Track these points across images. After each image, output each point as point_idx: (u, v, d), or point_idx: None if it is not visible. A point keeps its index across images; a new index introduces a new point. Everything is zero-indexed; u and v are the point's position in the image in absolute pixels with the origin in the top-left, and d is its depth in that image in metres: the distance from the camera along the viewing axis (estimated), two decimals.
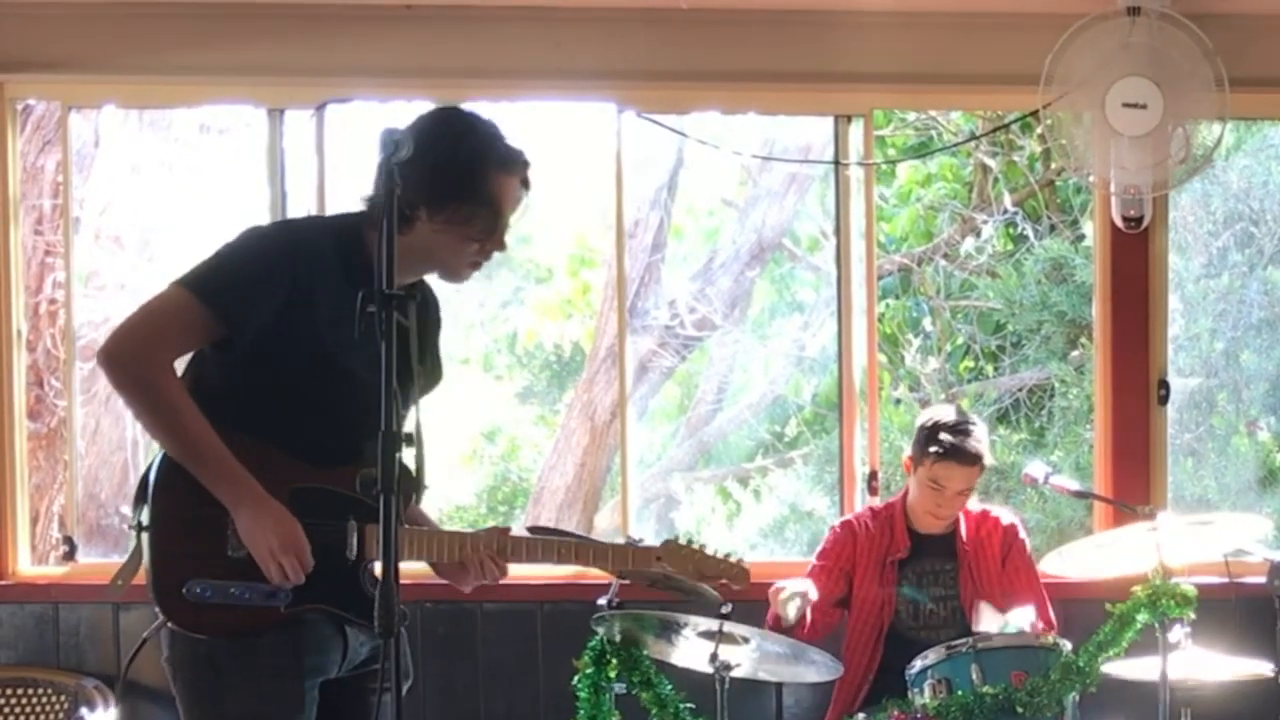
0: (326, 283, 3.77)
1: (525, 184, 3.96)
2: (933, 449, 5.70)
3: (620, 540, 5.45)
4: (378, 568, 3.55)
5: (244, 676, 3.78)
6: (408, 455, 3.51)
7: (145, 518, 3.81)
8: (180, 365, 3.91)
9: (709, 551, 4.36)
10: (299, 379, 3.78)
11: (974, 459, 5.71)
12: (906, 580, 5.85)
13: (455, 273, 3.98)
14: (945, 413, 5.88)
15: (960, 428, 5.74)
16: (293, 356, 3.76)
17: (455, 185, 3.80)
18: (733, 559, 4.41)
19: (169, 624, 3.82)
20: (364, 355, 3.60)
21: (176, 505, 3.79)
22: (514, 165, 3.89)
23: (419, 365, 3.86)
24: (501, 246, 3.93)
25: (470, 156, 3.81)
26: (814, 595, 5.57)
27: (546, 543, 4.19)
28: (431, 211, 3.80)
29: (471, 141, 3.84)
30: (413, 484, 3.54)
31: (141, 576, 3.86)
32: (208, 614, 3.77)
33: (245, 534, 3.74)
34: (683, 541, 4.33)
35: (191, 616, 3.78)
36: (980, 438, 5.76)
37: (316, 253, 3.83)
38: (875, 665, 5.81)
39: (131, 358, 3.77)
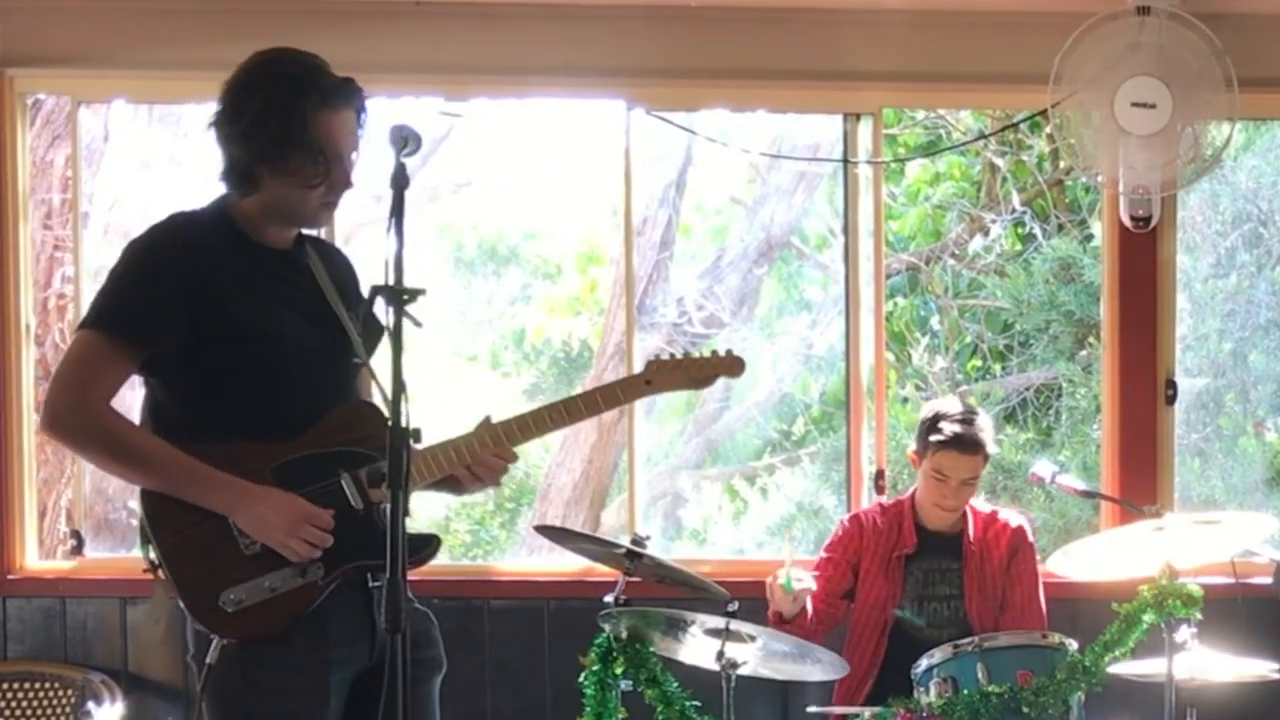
0: (215, 262, 3.77)
1: (358, 110, 3.85)
2: (934, 438, 5.73)
3: (626, 537, 5.49)
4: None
5: (269, 673, 3.75)
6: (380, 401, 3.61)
7: (155, 555, 3.79)
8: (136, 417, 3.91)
9: (695, 355, 4.27)
10: (231, 364, 3.74)
11: (976, 447, 5.72)
12: (907, 596, 5.85)
13: (312, 219, 3.91)
14: (947, 404, 5.90)
15: (962, 417, 5.75)
16: (215, 346, 3.73)
17: (278, 138, 3.74)
18: (720, 353, 4.29)
19: (225, 639, 3.76)
20: (281, 317, 3.64)
21: (176, 532, 3.76)
22: (335, 99, 3.79)
23: (352, 314, 3.91)
24: (347, 184, 3.86)
25: (285, 106, 3.73)
26: (810, 583, 5.58)
27: (537, 414, 4.07)
28: (269, 168, 3.77)
29: (284, 88, 3.76)
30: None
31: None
32: (254, 616, 3.73)
33: (253, 531, 3.72)
34: (664, 357, 4.22)
35: (240, 626, 3.73)
36: (982, 427, 5.78)
37: (194, 240, 3.82)
38: (878, 661, 5.81)
39: (67, 415, 3.76)
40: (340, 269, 4.09)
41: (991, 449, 5.82)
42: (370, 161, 3.91)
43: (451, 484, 4.05)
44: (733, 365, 4.28)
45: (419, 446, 3.70)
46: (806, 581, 5.57)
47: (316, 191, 3.80)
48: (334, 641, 3.80)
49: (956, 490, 5.78)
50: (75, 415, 3.75)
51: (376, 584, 3.80)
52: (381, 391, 3.58)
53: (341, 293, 3.97)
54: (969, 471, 5.76)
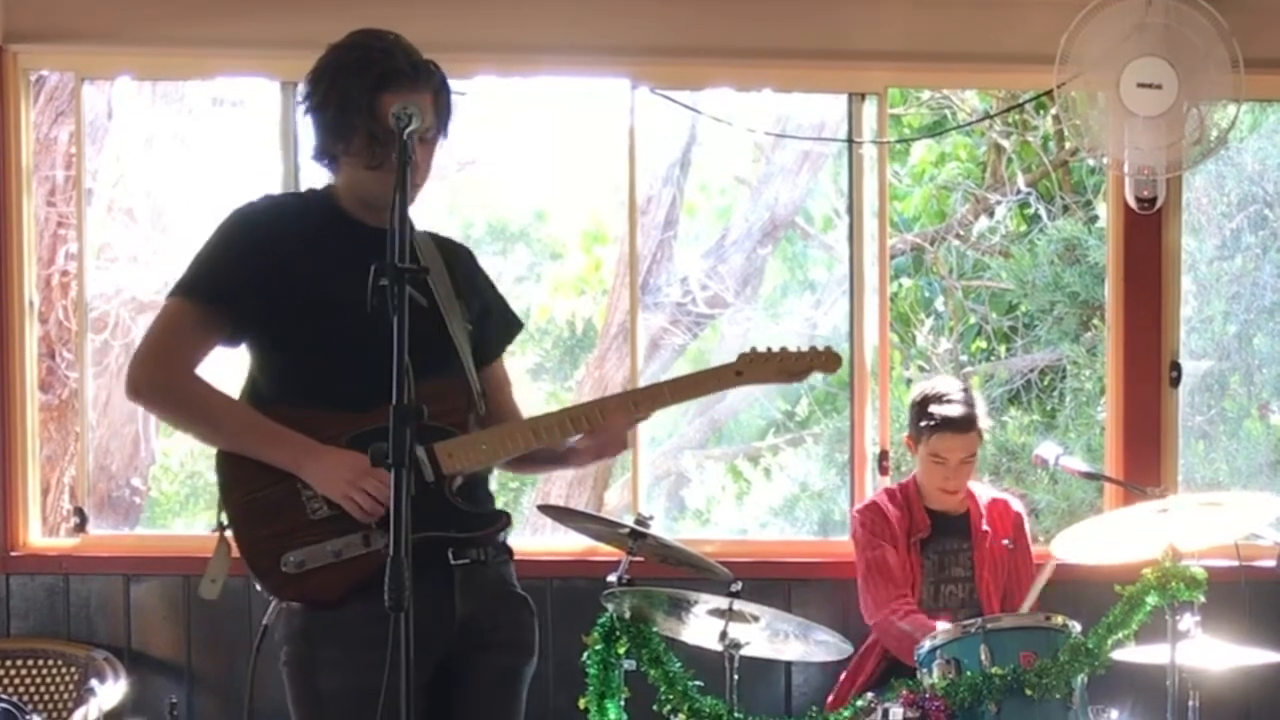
0: (304, 235, 3.83)
1: (434, 96, 3.88)
2: (925, 423, 5.78)
3: (629, 516, 5.49)
4: (458, 480, 3.81)
5: (337, 648, 3.77)
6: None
7: (224, 518, 3.84)
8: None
9: (790, 349, 4.14)
10: (314, 336, 3.78)
11: (969, 425, 5.76)
12: (926, 580, 5.86)
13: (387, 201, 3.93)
14: (935, 385, 5.94)
15: (951, 397, 5.80)
16: (299, 317, 3.78)
17: (340, 120, 3.80)
18: (819, 347, 4.18)
19: (283, 602, 3.83)
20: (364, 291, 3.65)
21: (245, 495, 3.81)
22: (394, 83, 3.79)
23: (458, 301, 3.97)
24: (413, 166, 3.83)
25: (344, 88, 3.79)
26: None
27: (638, 395, 4.15)
28: (342, 148, 3.84)
29: (347, 71, 3.82)
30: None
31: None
32: (314, 580, 3.77)
33: (318, 485, 3.75)
34: (760, 350, 4.11)
35: (299, 587, 3.78)
36: (971, 402, 5.83)
37: (287, 213, 3.93)
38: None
39: (149, 380, 3.85)
40: (458, 259, 4.14)
41: (985, 424, 5.85)
42: None
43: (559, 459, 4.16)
44: (829, 360, 4.17)
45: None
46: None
47: (382, 173, 3.77)
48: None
49: (956, 470, 5.80)
50: (156, 379, 3.84)
51: (459, 562, 3.86)
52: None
53: (453, 279, 4.02)
54: (965, 450, 5.78)
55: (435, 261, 4.00)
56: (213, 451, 3.88)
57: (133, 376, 3.87)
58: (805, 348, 4.16)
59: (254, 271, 3.79)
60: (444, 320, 3.95)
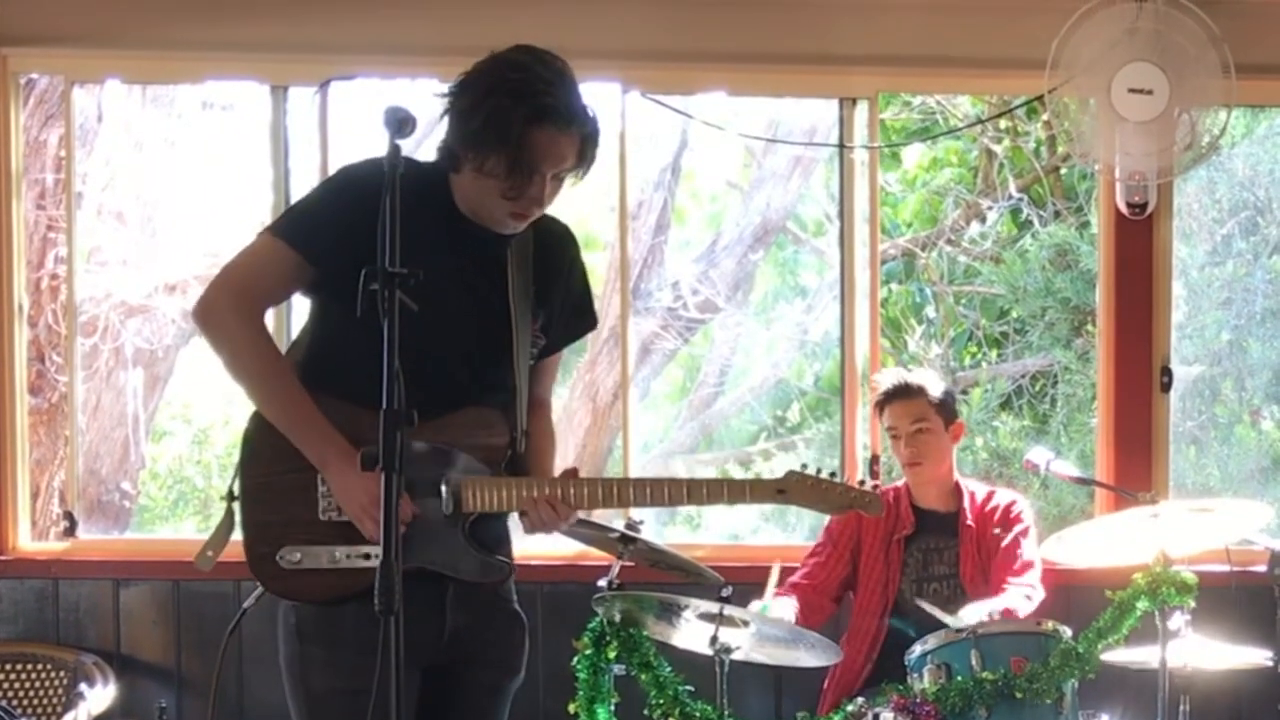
0: (409, 210, 3.52)
1: (582, 140, 3.80)
2: (876, 402, 6.01)
3: (619, 522, 5.48)
4: (477, 521, 3.77)
5: (328, 649, 3.76)
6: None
7: (236, 488, 3.82)
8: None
9: (836, 480, 4.07)
10: (378, 321, 3.49)
11: (909, 390, 5.93)
12: (907, 578, 5.88)
13: (498, 222, 3.83)
14: (888, 375, 6.10)
15: (892, 373, 6.09)
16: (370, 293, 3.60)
17: (480, 134, 3.69)
18: (866, 485, 4.11)
19: (266, 592, 3.81)
20: (446, 291, 3.63)
21: (266, 473, 3.79)
22: (548, 119, 3.70)
23: (525, 302, 3.90)
24: (535, 202, 3.79)
25: (496, 107, 3.68)
26: (790, 615, 5.63)
27: (653, 484, 4.00)
28: (470, 157, 3.72)
29: (504, 89, 3.70)
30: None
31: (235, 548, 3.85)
32: (305, 580, 3.75)
33: (336, 492, 3.72)
34: (809, 471, 4.03)
35: (286, 583, 3.76)
36: (909, 372, 6.08)
37: (400, 183, 3.69)
38: (879, 643, 5.84)
39: (223, 303, 3.79)
40: (553, 245, 4.04)
41: (934, 390, 5.95)
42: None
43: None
44: (871, 503, 4.10)
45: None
46: (785, 614, 5.59)
47: (505, 197, 3.75)
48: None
49: (913, 439, 5.90)
50: (230, 303, 3.77)
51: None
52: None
53: (537, 269, 3.95)
54: (915, 415, 5.90)
55: (523, 277, 3.91)
56: (199, 457, 3.87)
57: (209, 301, 3.79)
58: (854, 482, 4.11)
59: (344, 225, 3.68)
60: (513, 334, 3.88)
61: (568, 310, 4.10)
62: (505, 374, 3.90)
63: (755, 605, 5.52)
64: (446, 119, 3.79)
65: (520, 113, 3.67)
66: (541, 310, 3.98)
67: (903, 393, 5.91)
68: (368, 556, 3.71)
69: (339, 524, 3.75)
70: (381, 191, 3.45)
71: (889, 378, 6.01)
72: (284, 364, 3.83)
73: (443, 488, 3.77)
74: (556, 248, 4.06)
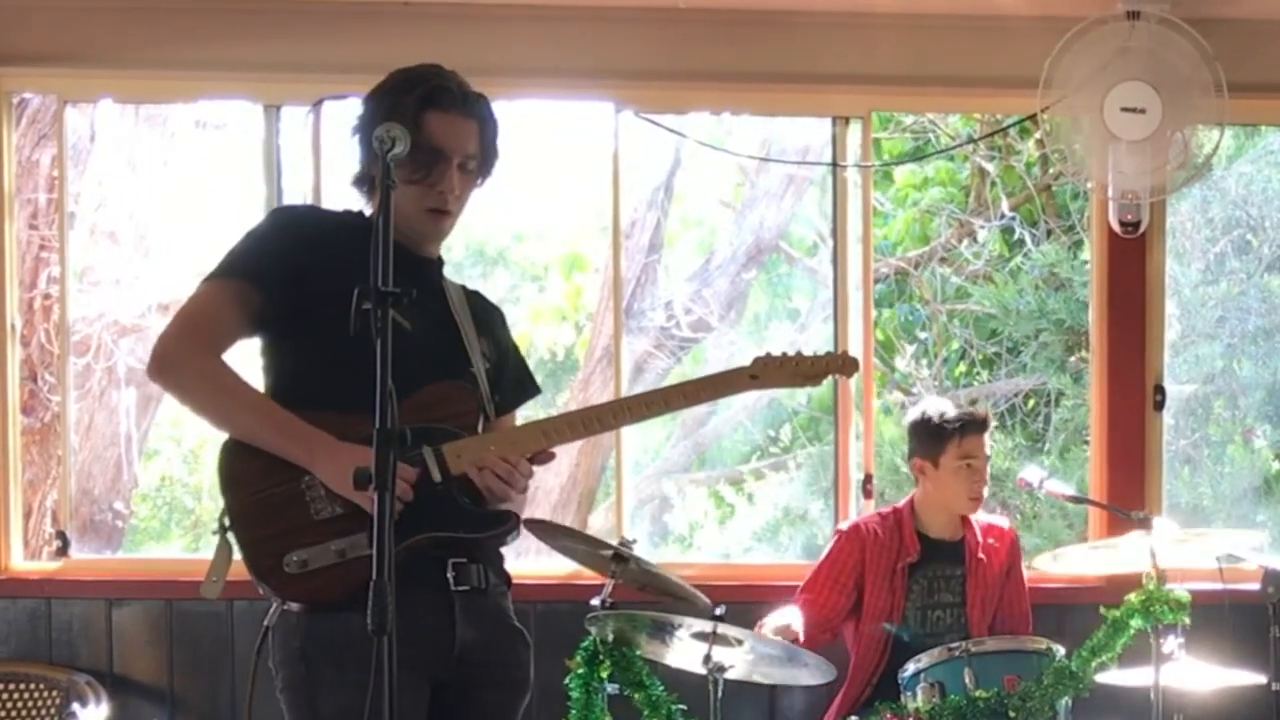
0: (338, 237, 3.78)
1: (480, 127, 3.93)
2: (951, 427, 5.79)
3: (613, 540, 5.47)
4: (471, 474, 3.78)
5: (337, 669, 3.73)
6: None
7: (225, 519, 3.82)
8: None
9: (805, 354, 4.11)
10: (331, 330, 3.60)
11: (987, 422, 5.88)
12: (911, 605, 5.83)
13: (419, 222, 3.93)
14: (932, 403, 5.97)
15: (957, 403, 5.93)
16: (318, 312, 3.72)
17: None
18: (835, 351, 4.16)
19: (285, 603, 3.78)
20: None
21: (251, 495, 3.79)
22: (440, 101, 3.86)
23: (469, 321, 4.01)
24: (449, 191, 3.90)
25: (391, 104, 3.81)
26: (798, 627, 5.55)
27: (630, 401, 4.11)
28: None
29: (394, 90, 3.87)
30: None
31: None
32: (317, 580, 3.74)
33: (332, 482, 3.71)
34: (775, 354, 4.08)
35: (301, 587, 3.75)
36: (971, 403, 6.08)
37: (326, 216, 4.00)
38: (880, 671, 5.78)
39: (175, 355, 3.83)
40: (487, 314, 4.18)
41: None
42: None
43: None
44: (846, 364, 4.15)
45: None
46: (795, 627, 5.55)
47: (419, 189, 3.84)
48: (401, 638, 3.74)
49: (983, 469, 5.83)
50: (183, 354, 3.81)
51: (460, 589, 3.86)
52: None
53: (476, 325, 4.06)
54: (988, 448, 5.85)
55: (463, 310, 4.03)
56: (188, 479, 3.86)
57: (159, 352, 3.83)
58: (821, 352, 4.14)
59: (280, 254, 3.79)
60: (459, 332, 3.97)
61: (515, 369, 4.24)
62: (458, 352, 3.97)
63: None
64: (358, 140, 3.92)
65: (414, 97, 3.84)
66: (483, 337, 4.06)
67: (984, 424, 5.84)
68: (371, 540, 3.71)
69: (333, 519, 3.75)
70: (315, 220, 3.66)
71: (954, 406, 5.88)
72: (246, 383, 3.83)
73: (426, 455, 3.78)
74: (490, 306, 4.25)
